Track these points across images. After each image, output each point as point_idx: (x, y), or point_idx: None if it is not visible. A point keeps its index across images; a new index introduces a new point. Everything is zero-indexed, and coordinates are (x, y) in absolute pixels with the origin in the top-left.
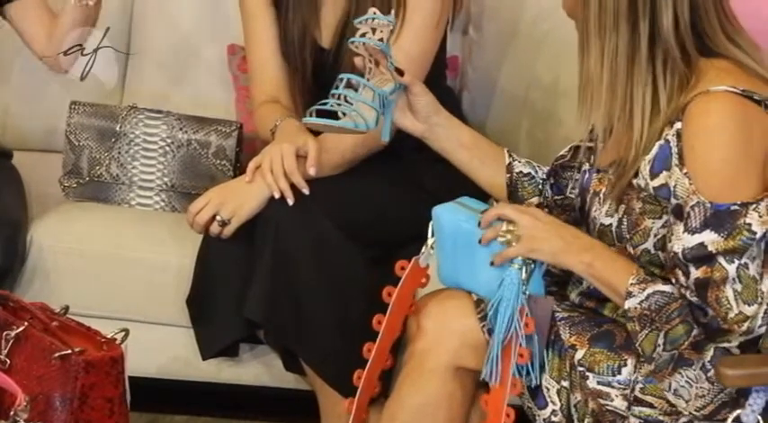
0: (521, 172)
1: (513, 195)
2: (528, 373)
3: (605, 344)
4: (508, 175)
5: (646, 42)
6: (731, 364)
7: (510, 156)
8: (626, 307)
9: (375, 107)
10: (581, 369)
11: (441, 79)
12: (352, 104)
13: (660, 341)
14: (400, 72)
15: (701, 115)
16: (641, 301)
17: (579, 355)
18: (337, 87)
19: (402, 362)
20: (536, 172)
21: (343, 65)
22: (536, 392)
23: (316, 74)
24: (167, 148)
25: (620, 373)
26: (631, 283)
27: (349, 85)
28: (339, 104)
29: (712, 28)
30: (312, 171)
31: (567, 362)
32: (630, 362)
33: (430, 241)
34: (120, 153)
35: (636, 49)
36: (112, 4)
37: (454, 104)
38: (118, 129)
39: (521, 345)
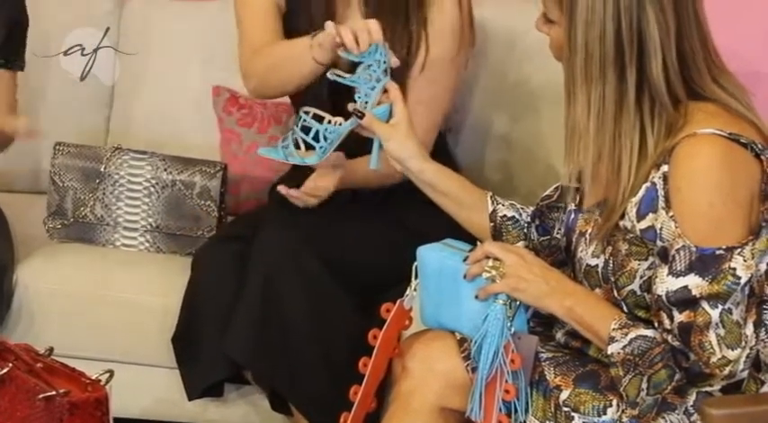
0: (504, 216)
1: (498, 240)
2: (515, 410)
3: (590, 384)
4: (492, 224)
5: (633, 89)
6: (716, 403)
7: (493, 202)
8: (609, 352)
9: (313, 144)
10: (566, 409)
11: None
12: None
13: (644, 386)
14: (360, 115)
15: (687, 158)
16: (624, 346)
17: (564, 395)
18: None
19: (387, 403)
20: (520, 215)
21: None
22: None
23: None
24: (152, 189)
25: (605, 413)
26: (613, 328)
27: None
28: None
29: (699, 72)
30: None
31: (552, 402)
32: (615, 402)
33: (414, 283)
34: (104, 194)
35: (623, 97)
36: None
37: (442, 145)
38: (102, 170)
39: (507, 381)
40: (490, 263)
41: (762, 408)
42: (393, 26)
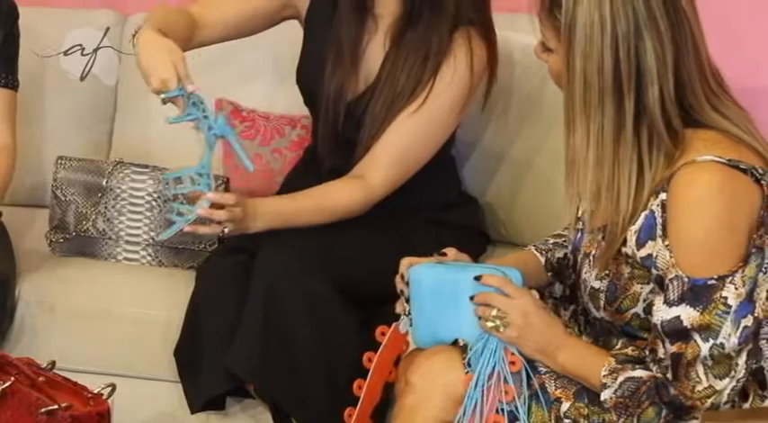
0: (559, 258)
1: (562, 275)
2: (514, 418)
3: (590, 398)
4: (550, 273)
5: (631, 119)
6: (714, 417)
7: (541, 253)
8: (602, 399)
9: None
10: (567, 421)
11: (447, 147)
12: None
13: None
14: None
15: (686, 186)
16: (615, 390)
17: (564, 407)
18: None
19: (389, 417)
20: (566, 246)
21: (368, 110)
22: None
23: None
24: (154, 203)
25: None
26: (604, 375)
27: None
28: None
29: (698, 101)
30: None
31: (553, 414)
32: (614, 417)
33: (406, 307)
34: (106, 208)
35: (621, 127)
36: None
37: (452, 173)
38: (104, 184)
39: (506, 381)
40: (494, 312)
41: (760, 422)
42: (413, 62)
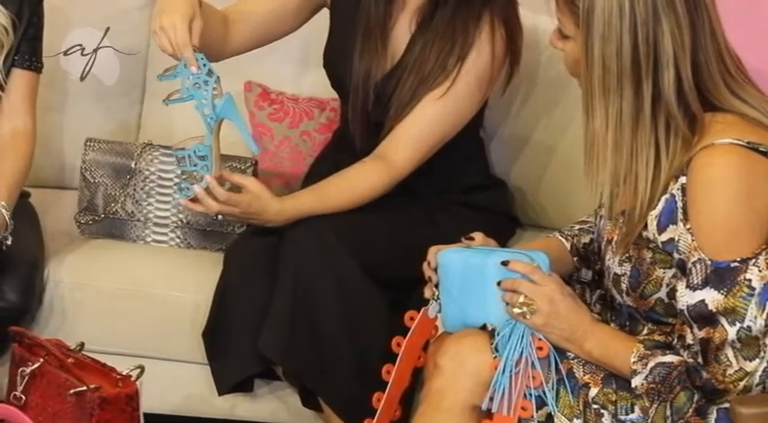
0: (585, 244)
1: (588, 261)
2: (538, 408)
3: (618, 383)
4: (576, 258)
5: (649, 103)
6: (746, 402)
7: (566, 239)
8: (633, 385)
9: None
10: (596, 407)
11: (475, 130)
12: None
13: (668, 413)
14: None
15: (704, 168)
16: (646, 376)
17: (593, 393)
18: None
19: (412, 411)
20: (592, 231)
21: (395, 93)
22: None
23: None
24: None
25: (632, 411)
26: (633, 361)
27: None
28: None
29: (715, 85)
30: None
31: (581, 400)
32: (648, 401)
33: (435, 292)
34: (135, 190)
35: (639, 110)
36: (126, 42)
37: (480, 156)
38: (133, 166)
39: (533, 367)
40: (521, 299)
41: None
42: (440, 49)
